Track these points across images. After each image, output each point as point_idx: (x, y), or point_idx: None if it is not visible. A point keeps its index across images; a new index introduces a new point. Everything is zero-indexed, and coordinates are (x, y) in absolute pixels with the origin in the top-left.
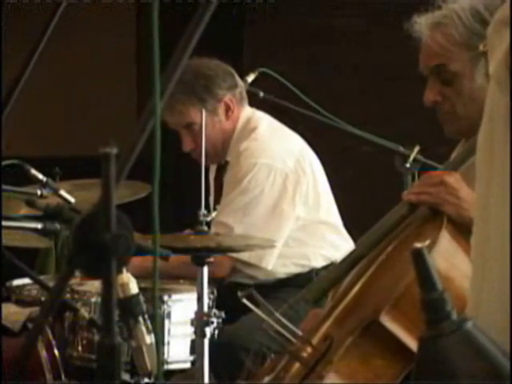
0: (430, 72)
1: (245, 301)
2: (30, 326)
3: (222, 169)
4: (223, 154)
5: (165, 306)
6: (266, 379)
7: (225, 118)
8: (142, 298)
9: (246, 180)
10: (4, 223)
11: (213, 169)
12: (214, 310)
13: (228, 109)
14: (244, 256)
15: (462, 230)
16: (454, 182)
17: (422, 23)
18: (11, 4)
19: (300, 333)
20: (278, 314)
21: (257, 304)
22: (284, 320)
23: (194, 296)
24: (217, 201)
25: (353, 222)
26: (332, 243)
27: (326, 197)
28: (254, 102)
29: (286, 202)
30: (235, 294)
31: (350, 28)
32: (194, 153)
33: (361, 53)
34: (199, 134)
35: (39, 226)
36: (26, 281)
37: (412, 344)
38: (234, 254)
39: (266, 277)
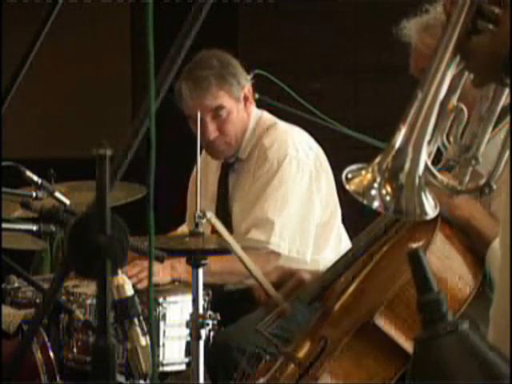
0: (421, 74)
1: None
2: (25, 327)
3: (228, 167)
4: (236, 149)
5: (160, 308)
6: (261, 380)
7: (243, 108)
8: (136, 299)
9: (279, 173)
10: None
11: (212, 170)
12: (210, 312)
13: (247, 99)
14: (284, 250)
15: (456, 230)
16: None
17: (410, 27)
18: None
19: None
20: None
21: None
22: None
23: (189, 298)
24: (220, 200)
25: (349, 221)
26: (333, 244)
27: (334, 197)
28: None
29: (314, 194)
30: (231, 296)
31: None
32: (216, 142)
33: (355, 54)
34: (225, 121)
35: (34, 227)
36: (21, 282)
37: (406, 345)
38: (275, 248)
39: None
